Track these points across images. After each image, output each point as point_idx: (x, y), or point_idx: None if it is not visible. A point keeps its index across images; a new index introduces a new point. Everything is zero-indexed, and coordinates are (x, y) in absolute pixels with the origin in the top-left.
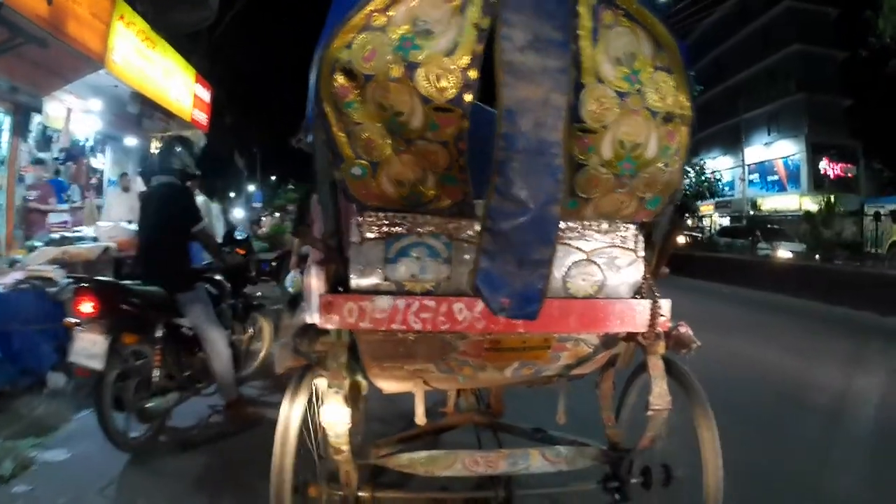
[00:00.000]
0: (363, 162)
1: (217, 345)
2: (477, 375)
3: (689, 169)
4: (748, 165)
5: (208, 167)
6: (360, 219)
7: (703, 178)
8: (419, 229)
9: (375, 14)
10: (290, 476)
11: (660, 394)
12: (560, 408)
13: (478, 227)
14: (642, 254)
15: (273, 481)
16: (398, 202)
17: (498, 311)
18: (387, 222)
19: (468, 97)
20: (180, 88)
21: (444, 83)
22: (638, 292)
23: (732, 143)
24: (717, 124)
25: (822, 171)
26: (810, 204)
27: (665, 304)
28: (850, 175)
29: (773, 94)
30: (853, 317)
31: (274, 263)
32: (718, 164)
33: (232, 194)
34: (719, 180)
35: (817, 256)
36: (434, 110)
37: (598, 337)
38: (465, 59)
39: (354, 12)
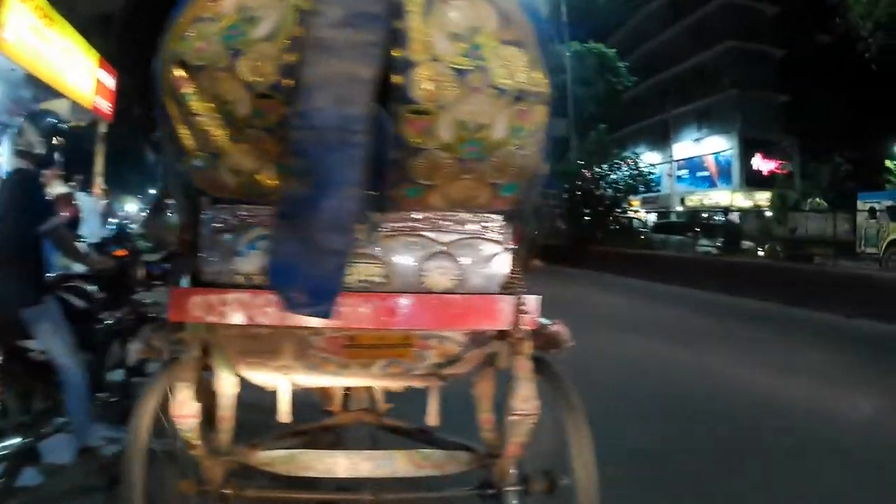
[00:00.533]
0: (204, 153)
1: (69, 373)
2: (342, 373)
3: (621, 162)
4: (677, 161)
5: (114, 158)
6: (210, 211)
7: (636, 171)
8: (267, 221)
9: (208, 4)
10: (140, 471)
11: (524, 398)
12: (431, 409)
13: None
14: (510, 246)
15: (124, 476)
16: (241, 193)
17: (292, 307)
18: (235, 214)
19: (287, 82)
20: (81, 72)
21: (264, 69)
22: (506, 287)
23: (661, 138)
24: (646, 119)
25: (755, 168)
26: (742, 200)
27: (532, 300)
28: (785, 171)
29: (706, 89)
30: (816, 320)
31: (166, 265)
32: (645, 160)
33: (152, 191)
34: (653, 174)
35: (780, 253)
36: (257, 97)
37: (464, 335)
38: (286, 44)
39: (190, 4)
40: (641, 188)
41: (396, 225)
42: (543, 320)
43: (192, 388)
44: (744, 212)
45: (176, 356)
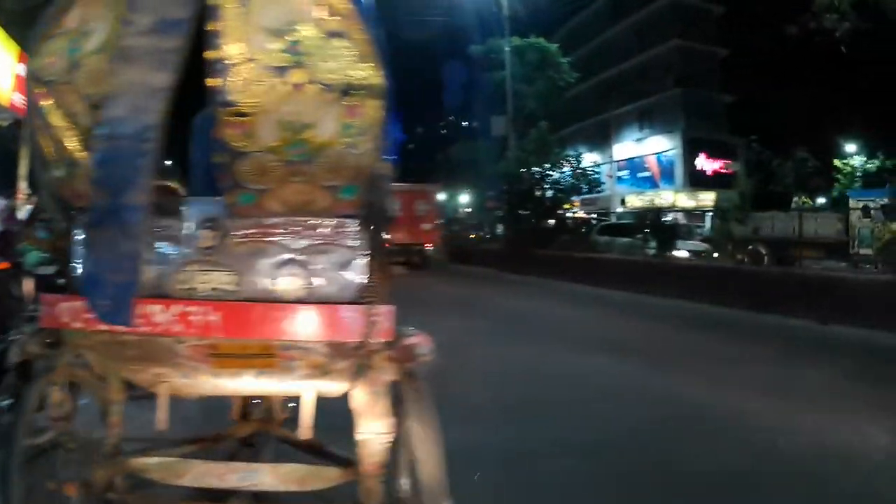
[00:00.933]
0: (62, 163)
1: None
2: (216, 382)
3: (563, 161)
4: (617, 162)
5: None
6: (80, 220)
7: (578, 170)
8: None
9: (58, 20)
10: (20, 474)
11: (374, 415)
12: (302, 421)
13: (185, 228)
14: (364, 252)
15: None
16: None
17: (100, 316)
18: None
19: None
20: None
21: (96, 81)
22: (361, 296)
23: (601, 139)
24: (587, 119)
25: (699, 168)
26: (686, 200)
27: (384, 311)
28: (731, 171)
29: (649, 89)
30: (789, 327)
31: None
32: (586, 160)
33: None
34: (597, 173)
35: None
36: (93, 108)
37: (325, 346)
38: (111, 55)
39: (46, 23)
40: (584, 188)
41: (248, 231)
42: (408, 331)
43: (65, 392)
44: (698, 212)
45: (51, 361)
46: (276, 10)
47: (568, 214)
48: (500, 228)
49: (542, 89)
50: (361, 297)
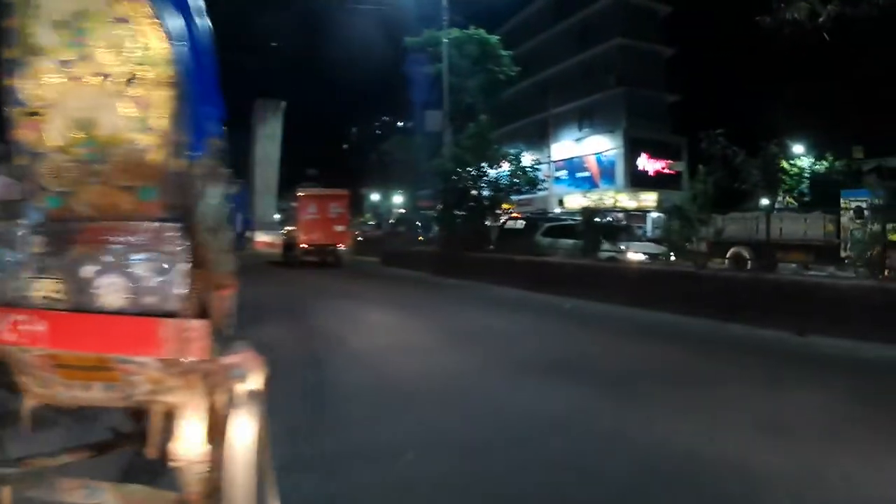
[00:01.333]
0: None
1: None
2: (70, 393)
3: (502, 158)
4: (555, 162)
5: None
6: None
7: (518, 169)
8: None
9: None
10: None
11: (187, 440)
12: (150, 438)
13: (20, 232)
14: (183, 260)
15: None
16: None
17: None
18: None
19: None
20: None
21: None
22: (181, 308)
23: (539, 138)
24: (525, 119)
25: (641, 168)
26: (627, 201)
27: (198, 325)
28: (675, 171)
29: (591, 87)
30: (761, 339)
31: None
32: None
33: None
34: (538, 171)
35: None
36: None
37: (157, 360)
38: None
39: None
40: (525, 188)
41: (71, 236)
42: (235, 348)
43: None
44: (639, 213)
45: None
46: (65, 3)
47: (511, 215)
48: (435, 230)
49: (481, 83)
50: (180, 309)
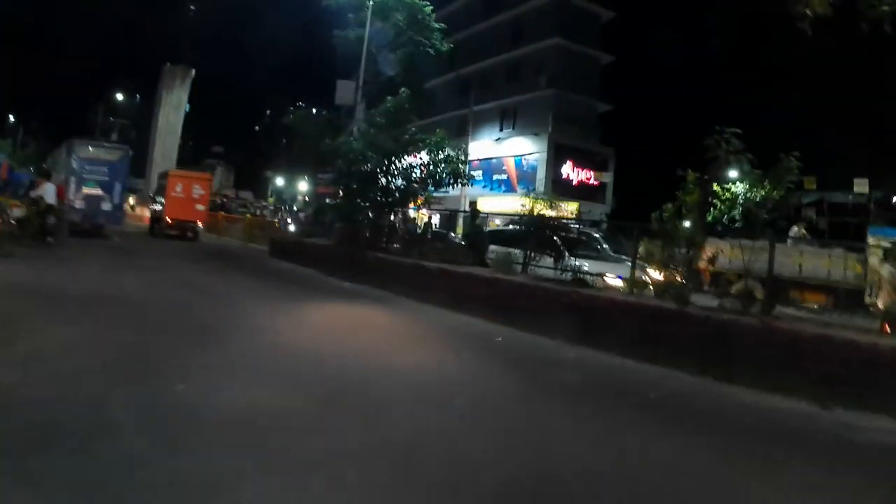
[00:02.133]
0: None
1: None
2: None
3: (422, 145)
4: (471, 161)
5: None
6: None
7: (443, 158)
8: None
9: None
10: None
11: None
12: None
13: None
14: None
15: None
16: None
17: None
18: None
19: None
20: None
21: None
22: None
23: (457, 135)
24: (444, 113)
25: (565, 176)
26: (546, 210)
27: None
28: (598, 182)
29: (517, 87)
30: (773, 410)
31: None
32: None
33: None
34: (466, 162)
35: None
36: None
37: None
38: None
39: None
40: (448, 180)
41: None
42: None
43: None
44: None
45: None
46: None
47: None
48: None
49: (405, 56)
50: None
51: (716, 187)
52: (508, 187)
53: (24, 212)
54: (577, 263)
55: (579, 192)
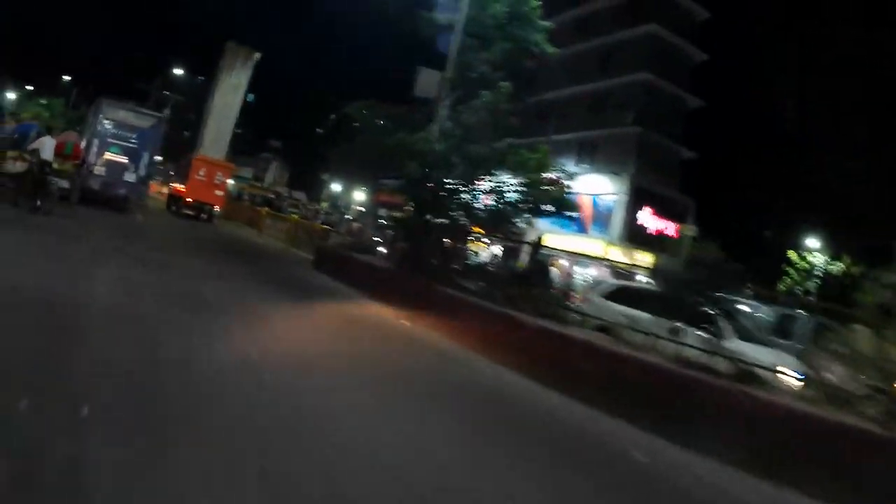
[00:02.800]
0: None
1: None
2: None
3: (523, 157)
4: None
5: None
6: None
7: (537, 179)
8: None
9: None
10: None
11: None
12: None
13: None
14: None
15: None
16: None
17: None
18: None
19: None
20: None
21: None
22: None
23: None
24: (519, 139)
25: (640, 222)
26: (619, 257)
27: None
28: (682, 235)
29: (599, 120)
30: None
31: None
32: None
33: None
34: (570, 190)
35: None
36: None
37: None
38: None
39: None
40: (549, 208)
41: None
42: None
43: None
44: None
45: None
46: None
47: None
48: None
49: (502, 54)
50: None
51: (791, 254)
52: (580, 227)
53: (23, 166)
54: (737, 347)
55: (652, 242)
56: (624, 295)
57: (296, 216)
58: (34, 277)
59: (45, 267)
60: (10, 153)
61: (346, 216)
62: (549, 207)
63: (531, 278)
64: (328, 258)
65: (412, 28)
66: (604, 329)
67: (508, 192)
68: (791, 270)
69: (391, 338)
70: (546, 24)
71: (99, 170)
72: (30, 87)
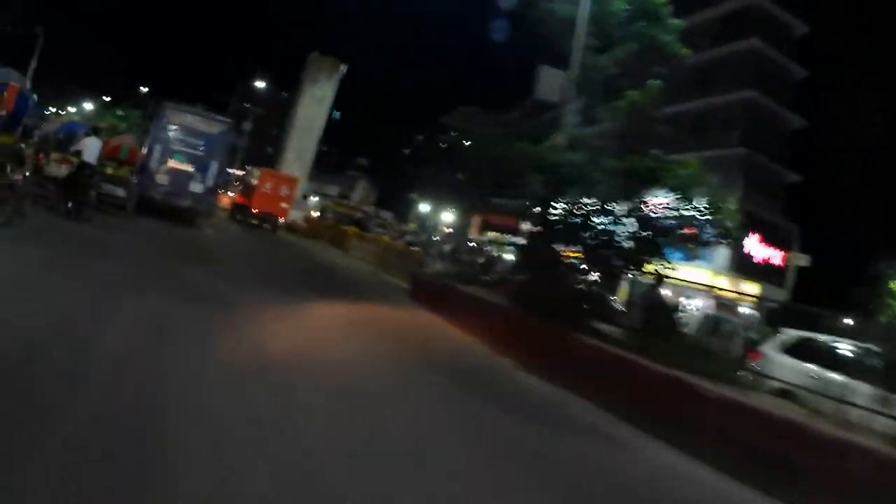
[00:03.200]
0: None
1: None
2: None
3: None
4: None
5: None
6: None
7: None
8: None
9: None
10: None
11: None
12: None
13: None
14: None
15: None
16: None
17: None
18: None
19: None
20: None
21: None
22: None
23: (629, 185)
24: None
25: (747, 251)
26: (725, 286)
27: None
28: (791, 262)
29: (701, 141)
30: None
31: None
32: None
33: None
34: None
35: None
36: None
37: None
38: None
39: None
40: (710, 237)
41: None
42: None
43: None
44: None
45: None
46: None
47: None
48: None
49: (628, 56)
50: None
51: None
52: (686, 256)
53: (67, 169)
54: None
55: (757, 271)
56: (808, 349)
57: (385, 238)
58: (27, 309)
59: (50, 294)
60: (54, 155)
61: (436, 238)
62: (711, 236)
63: (655, 320)
64: (426, 287)
65: (521, 26)
66: (785, 393)
67: (664, 216)
68: (892, 301)
69: (522, 406)
70: (677, 22)
71: (161, 178)
72: (107, 98)
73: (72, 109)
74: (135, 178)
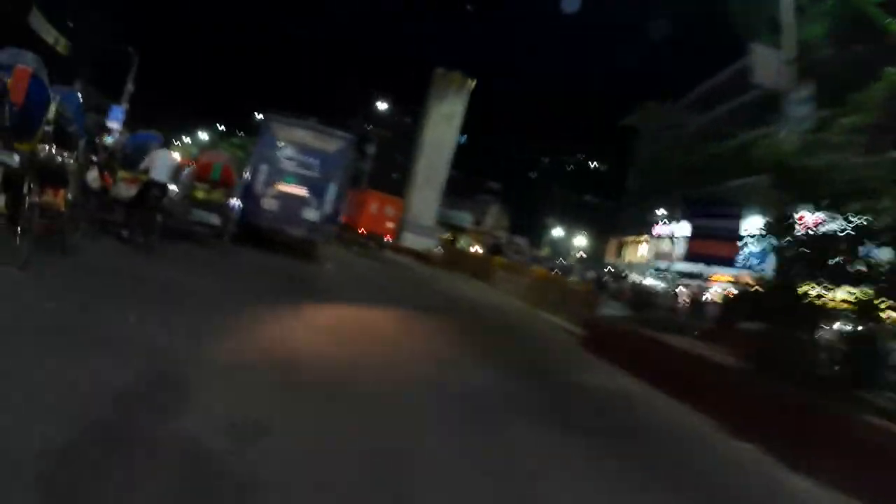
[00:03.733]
0: None
1: None
2: None
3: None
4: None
5: None
6: None
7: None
8: None
9: None
10: None
11: None
12: None
13: None
14: None
15: None
16: None
17: None
18: None
19: None
20: None
21: None
22: None
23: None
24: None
25: None
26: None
27: None
28: None
29: None
30: None
31: None
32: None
33: None
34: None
35: None
36: None
37: None
38: None
39: None
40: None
41: None
42: None
43: None
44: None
45: None
46: None
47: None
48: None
49: (834, 20)
50: None
51: None
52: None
53: (135, 190)
54: None
55: None
56: None
57: (536, 268)
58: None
59: (65, 371)
60: (123, 174)
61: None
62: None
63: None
64: (609, 338)
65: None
66: None
67: None
68: None
69: None
70: None
71: (268, 203)
72: (221, 128)
73: (187, 140)
74: (234, 202)
